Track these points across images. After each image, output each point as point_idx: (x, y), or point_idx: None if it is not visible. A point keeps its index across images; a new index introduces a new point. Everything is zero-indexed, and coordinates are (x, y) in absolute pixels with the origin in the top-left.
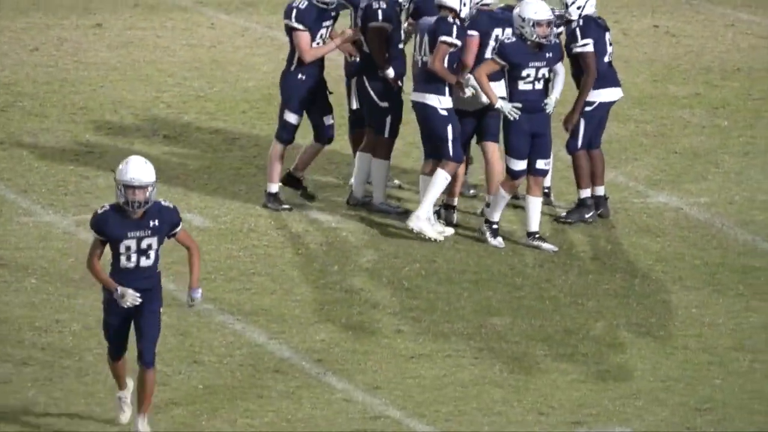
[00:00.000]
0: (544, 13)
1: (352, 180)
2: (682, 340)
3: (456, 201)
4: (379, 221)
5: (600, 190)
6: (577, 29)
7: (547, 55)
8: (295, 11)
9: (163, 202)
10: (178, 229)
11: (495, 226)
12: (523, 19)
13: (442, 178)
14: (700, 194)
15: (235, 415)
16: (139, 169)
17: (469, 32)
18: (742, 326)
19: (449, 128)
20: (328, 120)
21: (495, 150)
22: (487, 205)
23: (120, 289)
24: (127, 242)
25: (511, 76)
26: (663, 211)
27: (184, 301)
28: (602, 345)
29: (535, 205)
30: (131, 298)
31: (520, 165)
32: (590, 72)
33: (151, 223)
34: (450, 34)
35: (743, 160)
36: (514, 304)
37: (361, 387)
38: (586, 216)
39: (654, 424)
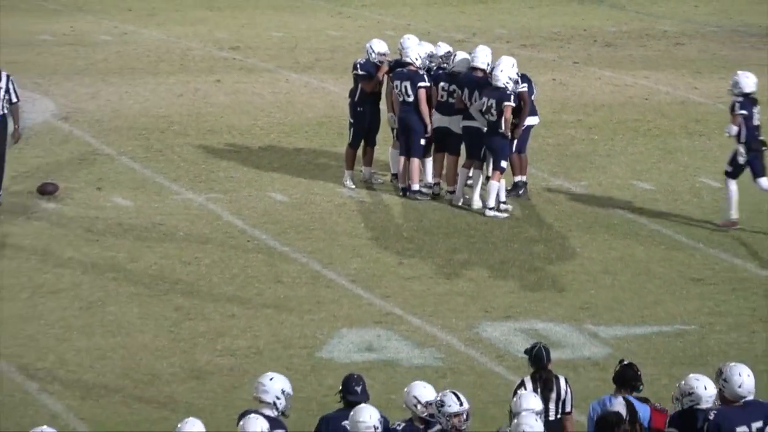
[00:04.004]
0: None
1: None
2: (570, 266)
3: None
4: (387, 197)
5: (524, 178)
6: (519, 79)
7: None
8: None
9: None
10: None
11: (492, 206)
12: None
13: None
14: (581, 180)
15: (302, 313)
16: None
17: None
18: (607, 258)
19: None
20: None
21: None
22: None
23: None
24: None
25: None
26: (559, 190)
27: None
28: (523, 270)
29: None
30: None
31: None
32: (526, 105)
33: None
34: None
35: (607, 160)
36: (469, 246)
37: (377, 296)
38: (520, 192)
39: (554, 317)
